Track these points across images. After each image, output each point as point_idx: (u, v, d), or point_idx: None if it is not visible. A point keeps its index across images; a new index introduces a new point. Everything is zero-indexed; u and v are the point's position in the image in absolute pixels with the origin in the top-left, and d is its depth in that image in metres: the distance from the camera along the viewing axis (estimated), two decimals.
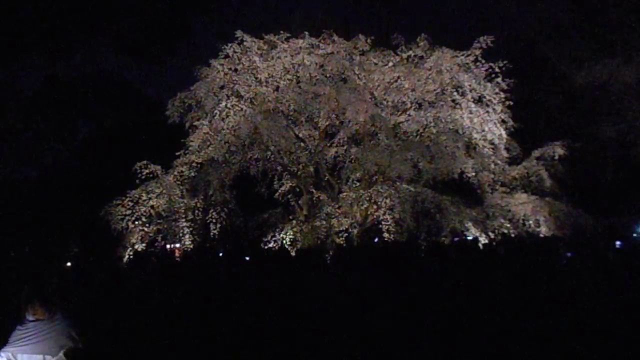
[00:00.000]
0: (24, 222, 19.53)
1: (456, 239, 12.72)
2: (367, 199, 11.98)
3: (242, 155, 13.11)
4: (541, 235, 12.87)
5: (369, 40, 13.51)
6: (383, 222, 11.59)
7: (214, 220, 12.68)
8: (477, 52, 12.99)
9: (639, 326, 4.04)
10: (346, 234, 12.31)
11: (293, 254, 10.75)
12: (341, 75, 13.12)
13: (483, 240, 12.38)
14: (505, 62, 12.82)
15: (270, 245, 12.20)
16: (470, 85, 12.70)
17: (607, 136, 17.03)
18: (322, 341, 4.19)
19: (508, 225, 13.25)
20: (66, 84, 24.75)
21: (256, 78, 13.14)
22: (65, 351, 3.31)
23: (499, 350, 3.93)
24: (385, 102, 13.40)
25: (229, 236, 13.24)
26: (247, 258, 10.19)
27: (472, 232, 12.68)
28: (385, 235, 11.47)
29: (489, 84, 12.93)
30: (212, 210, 12.80)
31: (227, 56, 13.23)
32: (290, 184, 14.10)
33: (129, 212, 12.05)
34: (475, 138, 12.72)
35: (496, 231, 12.99)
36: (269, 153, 13.26)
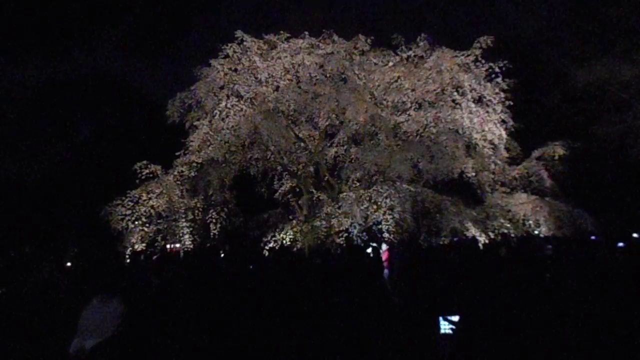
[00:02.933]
0: (24, 222, 19.53)
1: (455, 238, 12.71)
2: (367, 199, 11.97)
3: (242, 155, 13.13)
4: (541, 236, 12.86)
5: (369, 40, 13.50)
6: (383, 222, 11.61)
7: (214, 220, 12.72)
8: (477, 52, 12.98)
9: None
10: (346, 234, 12.31)
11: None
12: (341, 75, 13.11)
13: (483, 240, 12.37)
14: (505, 62, 12.83)
15: (271, 245, 12.19)
16: (470, 85, 12.69)
17: (607, 136, 17.03)
18: (322, 342, 4.19)
19: (508, 225, 13.25)
20: (66, 84, 24.76)
21: (256, 78, 13.14)
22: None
23: (499, 350, 3.93)
24: (385, 102, 13.39)
25: (229, 236, 13.25)
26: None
27: (472, 232, 12.67)
28: (385, 235, 11.47)
29: (489, 84, 12.92)
30: (212, 210, 12.84)
31: (227, 56, 13.23)
32: (290, 184, 14.12)
33: (129, 212, 12.09)
34: (475, 138, 12.71)
35: (496, 231, 12.99)
36: (269, 153, 13.27)
